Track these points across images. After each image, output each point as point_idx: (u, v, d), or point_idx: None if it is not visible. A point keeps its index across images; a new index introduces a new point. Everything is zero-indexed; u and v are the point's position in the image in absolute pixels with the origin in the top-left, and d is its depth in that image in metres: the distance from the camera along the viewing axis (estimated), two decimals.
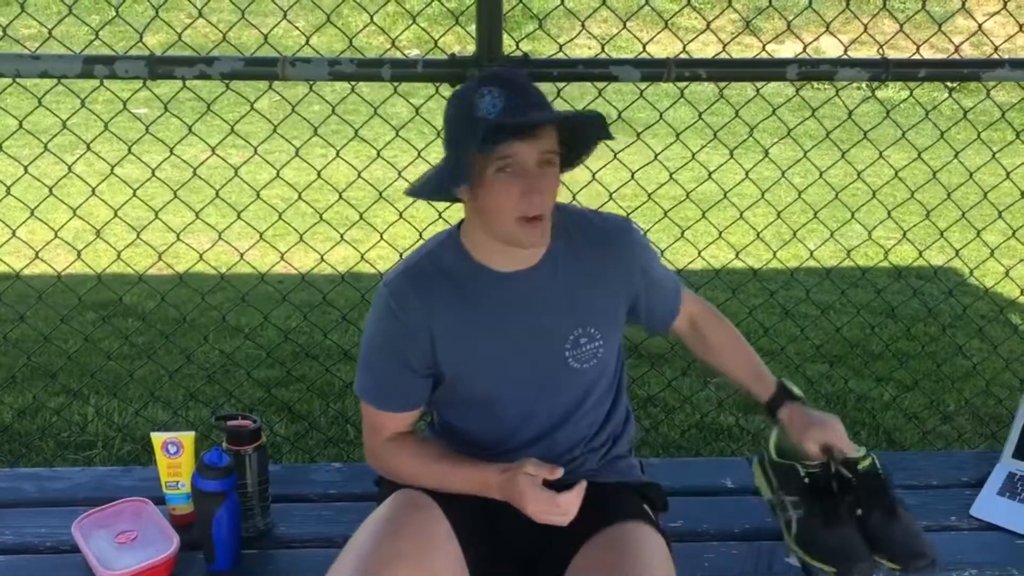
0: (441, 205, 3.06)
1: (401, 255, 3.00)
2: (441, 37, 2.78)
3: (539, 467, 1.50)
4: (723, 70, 2.30)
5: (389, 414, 1.68)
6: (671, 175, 2.82)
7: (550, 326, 1.65)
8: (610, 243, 1.70)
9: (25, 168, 2.59)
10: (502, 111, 1.49)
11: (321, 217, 2.85)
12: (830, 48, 8.74)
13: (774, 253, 3.40)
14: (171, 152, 2.69)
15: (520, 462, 1.52)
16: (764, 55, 2.57)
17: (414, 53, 8.95)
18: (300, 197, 2.86)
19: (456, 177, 1.53)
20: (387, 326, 1.63)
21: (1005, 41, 3.44)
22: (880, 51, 2.56)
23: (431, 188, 1.57)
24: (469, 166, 1.49)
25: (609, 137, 1.55)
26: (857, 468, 1.68)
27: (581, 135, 1.59)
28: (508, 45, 2.04)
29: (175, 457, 1.83)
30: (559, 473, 1.49)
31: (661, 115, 2.80)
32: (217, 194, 2.84)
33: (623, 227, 1.73)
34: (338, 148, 2.79)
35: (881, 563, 1.62)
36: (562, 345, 1.66)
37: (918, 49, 2.63)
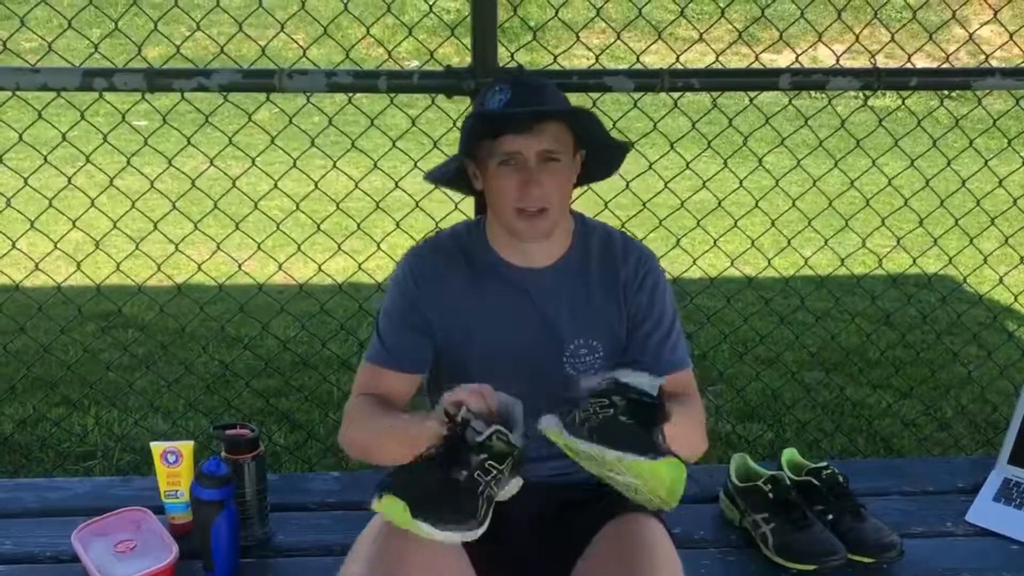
0: (439, 214, 3.08)
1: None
2: (437, 48, 2.80)
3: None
4: (716, 80, 2.33)
5: (390, 373, 1.70)
6: (666, 184, 2.84)
7: (549, 328, 1.67)
8: (624, 260, 1.71)
9: (25, 180, 2.61)
10: (505, 104, 1.56)
11: (319, 227, 2.86)
12: (828, 58, 8.76)
13: (769, 261, 3.41)
14: (170, 164, 2.71)
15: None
16: (758, 65, 2.60)
17: (412, 65, 8.98)
18: (298, 208, 2.87)
19: (457, 157, 1.65)
20: (404, 288, 1.72)
21: (997, 49, 3.46)
22: (872, 60, 2.58)
23: (441, 172, 1.68)
24: (472, 148, 1.60)
25: (603, 136, 1.60)
26: (822, 476, 1.90)
27: (592, 139, 1.63)
28: (504, 56, 2.06)
29: (174, 466, 1.84)
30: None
31: (655, 124, 2.82)
32: (216, 205, 2.85)
33: (642, 251, 1.74)
34: (336, 159, 2.80)
35: (855, 559, 1.79)
36: (560, 352, 1.67)
37: (910, 58, 2.65)
